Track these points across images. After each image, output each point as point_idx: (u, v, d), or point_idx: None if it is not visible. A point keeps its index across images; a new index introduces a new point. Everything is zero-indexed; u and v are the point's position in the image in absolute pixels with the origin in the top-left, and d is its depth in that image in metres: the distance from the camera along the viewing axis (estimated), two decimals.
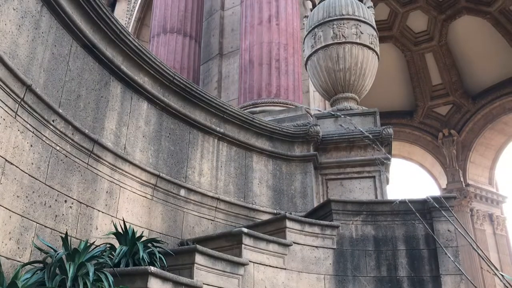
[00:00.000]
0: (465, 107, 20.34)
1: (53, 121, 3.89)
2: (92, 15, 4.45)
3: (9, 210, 3.38)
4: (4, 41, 3.47)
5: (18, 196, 3.48)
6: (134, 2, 15.65)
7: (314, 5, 7.56)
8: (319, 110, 7.76)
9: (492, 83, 19.77)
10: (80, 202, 4.11)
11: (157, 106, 5.33)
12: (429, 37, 20.38)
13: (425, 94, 20.98)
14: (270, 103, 7.76)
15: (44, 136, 3.81)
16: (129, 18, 15.43)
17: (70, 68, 4.22)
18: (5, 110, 3.43)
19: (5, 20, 3.50)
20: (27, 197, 3.56)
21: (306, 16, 7.66)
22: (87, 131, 4.27)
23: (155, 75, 5.28)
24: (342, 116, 6.65)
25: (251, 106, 7.73)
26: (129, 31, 8.33)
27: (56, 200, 3.85)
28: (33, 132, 3.70)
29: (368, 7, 7.25)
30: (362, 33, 6.89)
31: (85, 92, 4.39)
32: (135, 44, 4.98)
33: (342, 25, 6.91)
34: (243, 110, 7.11)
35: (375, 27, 7.19)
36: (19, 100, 3.55)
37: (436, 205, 4.94)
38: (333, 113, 6.77)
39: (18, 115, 3.56)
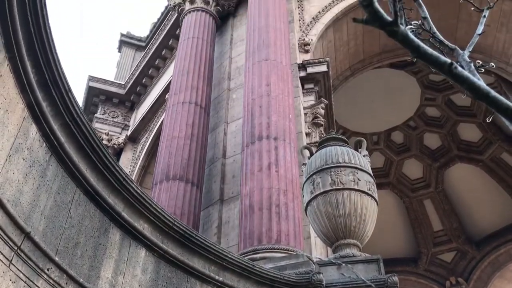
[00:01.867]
0: (470, 253, 19.92)
1: (48, 269, 3.79)
2: (97, 164, 4.62)
3: None
4: (9, 189, 3.54)
5: None
6: (139, 152, 16.37)
7: (311, 154, 7.87)
8: (319, 258, 7.58)
9: (494, 229, 19.64)
10: None
11: (155, 253, 5.22)
12: (425, 184, 20.82)
13: (428, 240, 20.70)
14: (271, 249, 7.61)
15: (37, 286, 3.67)
16: (133, 167, 16.00)
17: (71, 215, 4.24)
18: None
19: (13, 169, 3.62)
20: None
21: (304, 164, 7.92)
22: (81, 280, 4.12)
23: (155, 222, 5.27)
24: (344, 264, 6.47)
25: (251, 253, 7.57)
26: (133, 178, 8.54)
27: None
28: (25, 282, 3.57)
29: (363, 156, 7.54)
30: (359, 179, 7.06)
31: (84, 239, 4.35)
32: (137, 191, 5.07)
33: (339, 172, 7.11)
34: (243, 256, 6.95)
35: (372, 174, 7.40)
36: (16, 248, 3.50)
37: None
38: (334, 261, 6.60)
39: (13, 264, 3.47)
